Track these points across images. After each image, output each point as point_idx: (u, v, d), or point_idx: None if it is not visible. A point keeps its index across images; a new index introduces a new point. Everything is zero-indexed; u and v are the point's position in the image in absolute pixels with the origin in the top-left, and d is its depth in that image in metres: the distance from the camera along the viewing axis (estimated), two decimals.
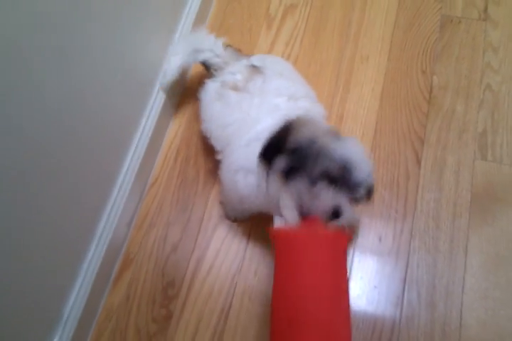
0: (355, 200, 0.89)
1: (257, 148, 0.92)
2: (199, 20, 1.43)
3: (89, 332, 1.18)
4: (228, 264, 1.24)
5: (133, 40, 1.14)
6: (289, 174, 0.88)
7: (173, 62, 1.26)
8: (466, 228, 1.22)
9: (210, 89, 1.18)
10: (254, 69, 1.14)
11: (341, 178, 0.86)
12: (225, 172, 1.09)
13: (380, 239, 1.23)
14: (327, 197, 0.86)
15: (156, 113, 1.30)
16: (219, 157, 1.13)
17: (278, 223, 0.91)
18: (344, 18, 1.52)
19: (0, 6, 0.68)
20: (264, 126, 0.99)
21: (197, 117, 1.39)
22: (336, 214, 0.86)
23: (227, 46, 1.26)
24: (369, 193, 0.92)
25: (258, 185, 0.95)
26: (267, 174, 0.91)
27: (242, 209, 1.18)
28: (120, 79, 1.11)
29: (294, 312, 0.79)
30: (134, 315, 1.20)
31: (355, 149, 0.88)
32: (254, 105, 1.06)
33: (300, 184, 0.87)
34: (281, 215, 0.89)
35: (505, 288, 1.15)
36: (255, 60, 1.18)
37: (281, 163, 0.89)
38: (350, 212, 0.87)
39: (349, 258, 1.21)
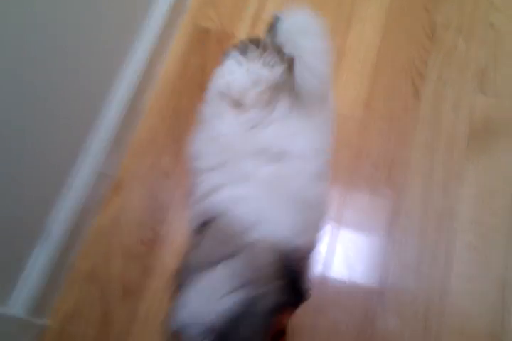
0: None
1: None
2: None
3: (75, 250, 1.16)
4: None
5: None
6: None
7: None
8: (463, 159, 1.20)
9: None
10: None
11: None
12: None
13: (374, 167, 1.21)
14: None
15: (151, 43, 1.28)
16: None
17: None
18: None
19: None
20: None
21: (193, 50, 1.37)
22: None
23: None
24: None
25: None
26: None
27: None
28: None
29: None
30: (123, 237, 1.19)
31: None
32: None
33: None
34: None
35: (497, 216, 1.14)
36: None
37: None
38: None
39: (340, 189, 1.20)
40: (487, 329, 1.03)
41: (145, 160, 1.28)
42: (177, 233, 1.18)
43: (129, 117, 1.26)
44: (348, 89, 1.31)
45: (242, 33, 1.37)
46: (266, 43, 0.87)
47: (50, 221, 1.07)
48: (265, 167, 0.81)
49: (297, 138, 0.83)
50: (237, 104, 0.85)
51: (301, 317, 1.02)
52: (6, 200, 0.92)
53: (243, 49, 0.90)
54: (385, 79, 1.32)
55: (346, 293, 1.11)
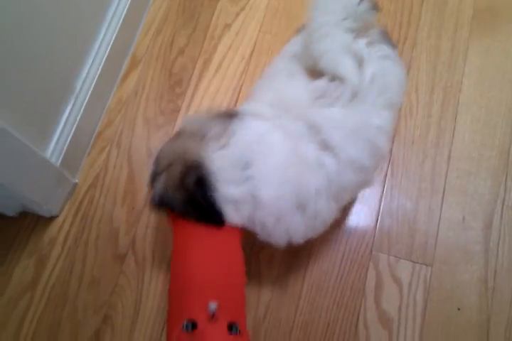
0: None
1: None
2: None
3: (101, 116, 1.21)
4: (235, 67, 1.27)
5: None
6: None
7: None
8: (467, 38, 1.27)
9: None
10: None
11: None
12: None
13: None
14: None
15: None
16: None
17: None
18: None
19: None
20: None
21: None
22: None
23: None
24: None
25: None
26: None
27: None
28: None
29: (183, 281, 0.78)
30: (142, 108, 1.23)
31: None
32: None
33: None
34: None
35: (499, 90, 1.22)
36: None
37: None
38: None
39: None
40: (490, 190, 1.13)
41: (160, 38, 1.30)
42: (196, 104, 1.23)
43: None
44: None
45: None
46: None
47: (78, 81, 1.11)
48: (305, 144, 0.76)
49: (351, 141, 0.76)
50: (313, 71, 0.80)
51: None
52: (46, 61, 0.98)
53: None
54: None
55: None
